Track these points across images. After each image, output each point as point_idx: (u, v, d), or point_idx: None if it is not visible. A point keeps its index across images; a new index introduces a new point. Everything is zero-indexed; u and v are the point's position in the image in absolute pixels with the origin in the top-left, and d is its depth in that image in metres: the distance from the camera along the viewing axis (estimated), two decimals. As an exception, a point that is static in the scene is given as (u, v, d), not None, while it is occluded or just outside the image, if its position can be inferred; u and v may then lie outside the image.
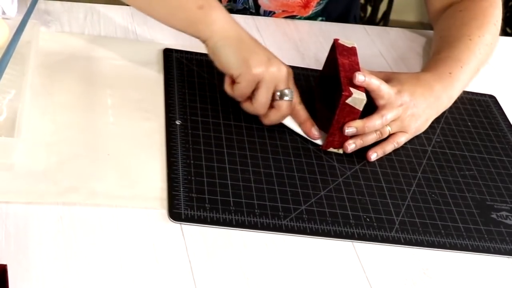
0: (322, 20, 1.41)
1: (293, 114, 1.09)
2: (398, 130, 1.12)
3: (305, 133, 1.10)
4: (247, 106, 1.08)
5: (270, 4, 1.37)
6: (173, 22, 1.10)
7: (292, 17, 1.39)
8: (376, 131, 1.10)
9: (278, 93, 1.06)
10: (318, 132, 1.10)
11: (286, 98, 1.06)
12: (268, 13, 1.38)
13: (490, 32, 1.25)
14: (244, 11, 1.38)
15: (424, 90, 1.14)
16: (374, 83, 1.08)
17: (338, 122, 1.07)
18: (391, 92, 1.10)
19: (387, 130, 1.11)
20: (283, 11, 1.38)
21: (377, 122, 1.09)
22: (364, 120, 1.08)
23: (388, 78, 1.14)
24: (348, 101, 1.05)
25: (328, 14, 1.41)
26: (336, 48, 1.13)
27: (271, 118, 1.08)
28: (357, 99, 1.05)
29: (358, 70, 1.09)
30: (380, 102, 1.09)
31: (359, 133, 1.08)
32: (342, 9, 1.44)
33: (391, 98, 1.10)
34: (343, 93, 1.04)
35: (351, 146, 1.09)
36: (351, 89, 1.05)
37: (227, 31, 1.07)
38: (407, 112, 1.12)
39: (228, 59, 1.05)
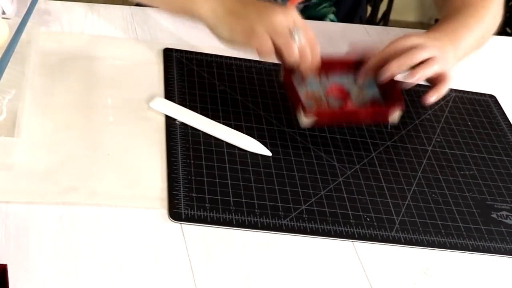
0: (331, 8, 1.42)
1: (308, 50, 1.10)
2: (445, 68, 1.13)
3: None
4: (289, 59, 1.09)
5: None
6: (168, 8, 1.17)
7: (306, 3, 1.39)
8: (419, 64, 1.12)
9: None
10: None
11: (296, 37, 1.08)
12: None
13: (494, 6, 1.28)
14: None
15: (439, 43, 1.16)
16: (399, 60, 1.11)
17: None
18: (423, 39, 1.13)
19: (435, 67, 1.12)
20: None
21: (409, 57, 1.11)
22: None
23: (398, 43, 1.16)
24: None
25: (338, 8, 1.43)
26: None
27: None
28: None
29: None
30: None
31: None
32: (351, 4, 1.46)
33: (425, 42, 1.12)
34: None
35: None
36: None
37: (214, 11, 1.10)
38: (441, 53, 1.14)
39: (232, 39, 1.10)
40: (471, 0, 1.27)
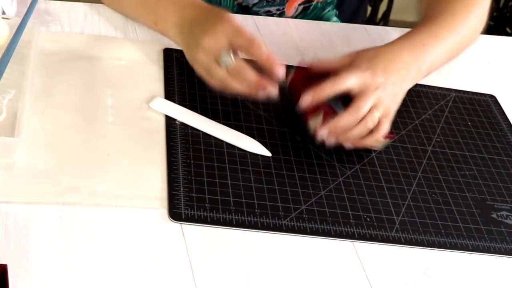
0: (334, 9, 1.41)
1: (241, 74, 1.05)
2: (385, 112, 1.06)
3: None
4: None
5: None
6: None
7: (308, 5, 1.38)
8: (362, 122, 1.03)
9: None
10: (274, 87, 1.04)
11: (222, 63, 1.04)
12: None
13: (476, 15, 1.20)
14: None
15: (396, 64, 1.08)
16: (328, 88, 1.02)
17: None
18: (363, 79, 1.03)
19: (376, 116, 1.04)
20: None
21: (349, 118, 1.02)
22: (336, 119, 1.03)
23: (353, 59, 1.07)
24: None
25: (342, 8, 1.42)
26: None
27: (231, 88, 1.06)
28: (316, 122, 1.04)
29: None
30: (354, 92, 1.03)
31: (336, 133, 1.04)
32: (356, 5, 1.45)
33: (365, 84, 1.03)
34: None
35: (331, 140, 1.05)
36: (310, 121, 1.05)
37: (176, 38, 1.14)
38: (385, 92, 1.05)
39: (187, 58, 1.11)
40: (451, 7, 1.20)
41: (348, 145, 1.07)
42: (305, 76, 1.08)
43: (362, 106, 1.03)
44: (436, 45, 1.13)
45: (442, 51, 1.15)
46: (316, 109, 1.05)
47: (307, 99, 1.03)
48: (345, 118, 1.03)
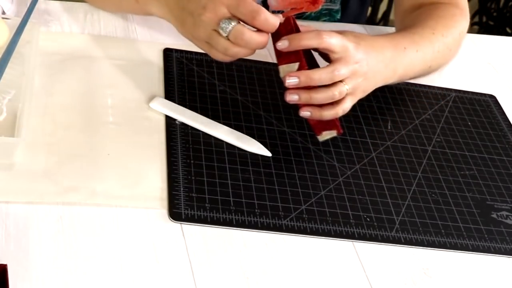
0: (332, 20, 1.40)
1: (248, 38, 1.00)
2: (353, 90, 1.04)
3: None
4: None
5: (278, 4, 1.35)
6: (126, 12, 1.23)
7: (301, 14, 1.38)
8: (330, 88, 1.01)
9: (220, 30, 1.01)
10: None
11: (222, 32, 1.00)
12: (277, 13, 1.36)
13: (453, 37, 1.22)
14: None
15: (378, 54, 1.08)
16: (309, 38, 0.99)
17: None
18: (347, 45, 1.02)
19: (345, 88, 1.02)
20: (291, 9, 1.36)
21: (323, 74, 1.00)
22: (311, 70, 0.99)
23: (341, 32, 1.05)
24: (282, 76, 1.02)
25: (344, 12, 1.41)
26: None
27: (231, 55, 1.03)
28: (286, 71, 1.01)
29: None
30: (334, 56, 1.02)
31: (303, 85, 1.00)
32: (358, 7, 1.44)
33: (347, 51, 1.02)
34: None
35: (293, 96, 1.01)
36: (280, 66, 1.01)
37: (163, 15, 1.09)
38: (361, 70, 1.04)
39: (182, 35, 1.07)
40: (432, 21, 1.21)
41: (305, 112, 1.03)
42: (289, 27, 1.04)
43: (339, 69, 1.01)
44: (415, 52, 1.15)
45: (419, 59, 1.16)
46: (290, 57, 1.01)
47: (284, 43, 1.01)
48: (320, 73, 1.01)
